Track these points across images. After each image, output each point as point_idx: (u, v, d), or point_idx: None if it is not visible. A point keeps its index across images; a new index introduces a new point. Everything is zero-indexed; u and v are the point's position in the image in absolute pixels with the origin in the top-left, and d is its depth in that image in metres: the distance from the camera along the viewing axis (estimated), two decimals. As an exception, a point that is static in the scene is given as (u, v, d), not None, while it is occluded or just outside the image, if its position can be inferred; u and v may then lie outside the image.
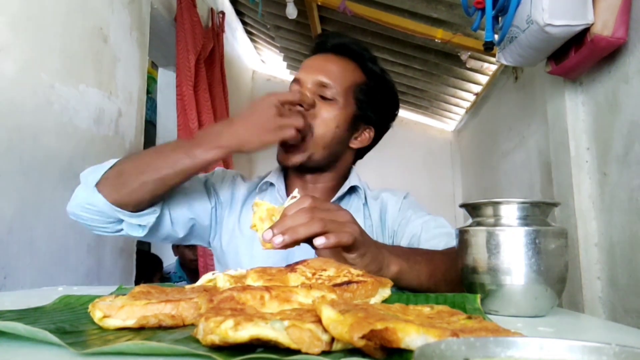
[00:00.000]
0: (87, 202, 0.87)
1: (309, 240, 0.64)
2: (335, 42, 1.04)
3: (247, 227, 0.93)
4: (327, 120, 0.97)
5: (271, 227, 0.64)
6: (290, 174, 1.06)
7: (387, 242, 1.01)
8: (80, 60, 1.64)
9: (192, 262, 2.79)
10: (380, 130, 1.10)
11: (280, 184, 1.05)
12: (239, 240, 1.01)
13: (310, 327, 0.34)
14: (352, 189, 1.05)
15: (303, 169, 1.01)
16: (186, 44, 2.54)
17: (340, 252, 0.68)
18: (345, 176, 1.08)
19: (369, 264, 0.67)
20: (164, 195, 0.90)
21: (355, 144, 1.05)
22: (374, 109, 1.05)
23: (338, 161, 1.04)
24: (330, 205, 0.70)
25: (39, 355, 0.35)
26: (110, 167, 0.88)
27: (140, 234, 0.92)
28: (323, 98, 0.98)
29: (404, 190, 1.11)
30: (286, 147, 0.96)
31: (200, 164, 0.84)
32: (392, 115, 1.12)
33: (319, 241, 0.63)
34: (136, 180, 0.85)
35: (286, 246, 0.64)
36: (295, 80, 1.01)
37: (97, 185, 0.86)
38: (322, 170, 1.03)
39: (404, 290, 0.74)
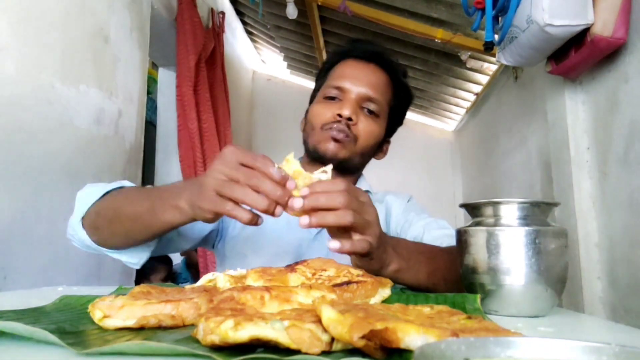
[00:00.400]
0: (77, 235, 0.83)
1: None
2: (374, 51, 1.04)
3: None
4: (369, 134, 1.00)
5: (303, 196, 0.60)
6: (317, 162, 1.03)
7: None
8: (80, 61, 1.64)
9: (198, 264, 2.77)
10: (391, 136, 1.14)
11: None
12: (247, 242, 1.00)
13: (310, 327, 0.34)
14: None
15: (336, 167, 1.01)
16: (186, 44, 2.54)
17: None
18: (357, 179, 1.11)
19: (371, 263, 0.67)
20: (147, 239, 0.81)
21: (379, 156, 1.10)
22: (398, 120, 1.10)
23: (360, 169, 1.08)
24: (362, 195, 0.66)
25: (39, 355, 0.35)
26: (97, 200, 0.82)
27: (135, 266, 0.87)
28: (367, 111, 1.00)
29: (407, 192, 1.13)
30: (336, 139, 0.97)
31: (160, 224, 0.73)
32: (403, 120, 1.15)
33: (333, 245, 0.61)
34: (107, 229, 0.80)
35: (309, 226, 0.60)
36: (338, 88, 1.00)
37: (82, 219, 0.82)
38: (347, 174, 1.04)
39: (403, 289, 0.74)
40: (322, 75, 1.10)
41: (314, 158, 1.03)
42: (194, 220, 0.71)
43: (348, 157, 0.99)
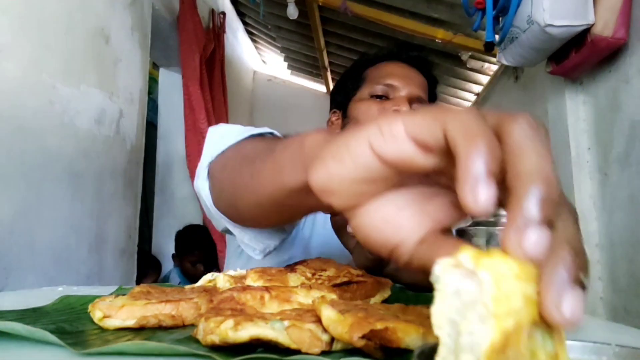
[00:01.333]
0: (201, 190, 0.63)
1: None
2: (419, 57, 1.06)
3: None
4: None
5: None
6: None
7: None
8: (81, 61, 1.64)
9: (196, 276, 2.76)
10: None
11: None
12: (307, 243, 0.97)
13: (310, 327, 0.34)
14: None
15: None
16: (190, 44, 2.55)
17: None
18: None
19: (382, 260, 0.66)
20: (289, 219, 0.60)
21: None
22: None
23: None
24: None
25: (39, 355, 0.35)
26: (230, 147, 0.60)
27: (257, 255, 0.69)
28: None
29: None
30: None
31: (286, 190, 0.43)
32: None
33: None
34: (231, 197, 0.57)
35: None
36: (389, 86, 0.99)
37: (209, 168, 0.62)
38: None
39: (401, 287, 0.74)
40: (356, 74, 1.07)
41: None
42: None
43: None
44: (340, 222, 0.66)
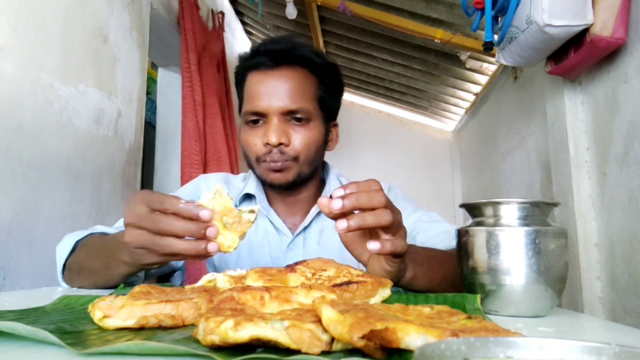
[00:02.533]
0: (65, 287, 0.85)
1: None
2: (277, 54, 0.94)
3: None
4: (307, 144, 0.93)
5: (341, 197, 0.58)
6: (275, 188, 1.01)
7: None
8: (80, 60, 1.64)
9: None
10: (336, 117, 1.06)
11: (261, 195, 1.03)
12: (229, 256, 1.00)
13: (310, 327, 0.34)
14: None
15: (290, 186, 0.98)
16: (189, 45, 2.54)
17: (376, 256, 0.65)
18: (319, 174, 1.07)
19: (400, 269, 0.66)
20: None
21: (330, 146, 1.04)
22: (334, 102, 1.02)
23: (318, 167, 1.03)
24: (399, 213, 0.64)
25: (39, 355, 0.35)
26: (69, 254, 0.84)
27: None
28: (296, 119, 0.93)
29: (384, 181, 1.08)
30: (276, 169, 0.93)
31: (117, 277, 0.72)
32: (342, 96, 1.07)
33: (373, 246, 0.59)
34: (77, 281, 0.80)
35: (348, 229, 0.58)
36: (257, 114, 0.92)
37: (62, 273, 0.84)
38: (306, 182, 1.01)
39: (411, 292, 0.74)
40: (238, 82, 1.01)
41: (264, 184, 1.01)
42: (143, 269, 0.72)
43: (296, 176, 0.94)
44: (350, 237, 0.67)
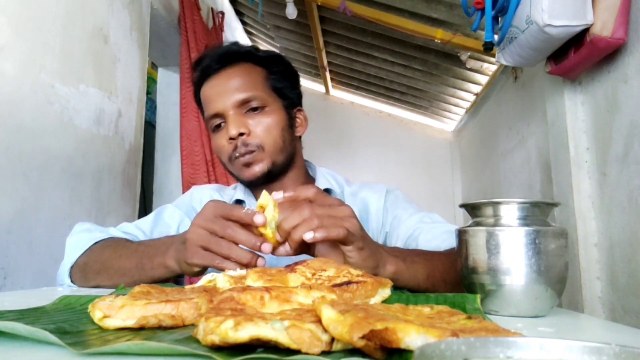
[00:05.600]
0: (65, 284, 0.87)
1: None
2: (216, 57, 0.99)
3: None
4: (269, 130, 0.95)
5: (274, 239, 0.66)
6: (256, 186, 1.03)
7: None
8: (80, 61, 1.64)
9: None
10: (301, 104, 1.09)
11: (250, 199, 1.05)
12: None
13: (310, 327, 0.34)
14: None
15: (269, 178, 0.99)
16: (189, 44, 2.54)
17: (338, 247, 0.68)
18: (306, 175, 1.07)
19: (366, 258, 0.67)
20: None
21: (299, 131, 1.05)
22: (290, 89, 1.04)
23: (295, 156, 1.03)
24: (330, 199, 0.69)
25: (39, 355, 0.35)
26: (86, 251, 0.86)
27: None
28: (252, 109, 0.95)
29: (383, 183, 1.08)
30: (246, 164, 0.94)
31: (148, 279, 0.76)
32: (298, 82, 1.10)
33: (307, 235, 0.63)
34: (94, 280, 0.83)
35: (295, 251, 0.65)
36: (215, 116, 0.96)
37: (70, 270, 0.86)
38: (286, 172, 1.01)
39: (402, 290, 0.74)
40: (197, 100, 1.05)
41: (245, 185, 1.04)
42: (183, 275, 0.76)
43: (271, 165, 0.96)
44: (322, 251, 0.71)
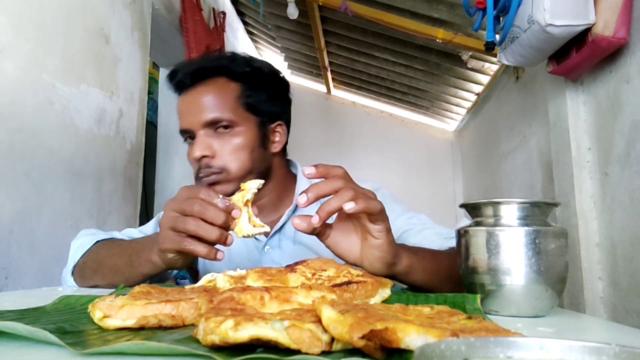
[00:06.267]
0: (67, 284, 0.89)
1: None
2: (189, 72, 0.96)
3: None
4: (237, 151, 0.92)
5: (305, 192, 0.62)
6: None
7: None
8: (81, 60, 1.64)
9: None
10: (287, 117, 1.04)
11: None
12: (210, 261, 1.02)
13: (310, 327, 0.34)
14: None
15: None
16: (191, 44, 2.54)
17: (353, 233, 0.67)
18: (287, 179, 1.04)
19: (392, 242, 0.66)
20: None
21: (276, 147, 1.00)
22: (270, 103, 0.99)
23: (271, 172, 1.00)
24: (355, 182, 0.68)
25: (39, 355, 0.35)
26: (86, 251, 0.88)
27: None
28: (224, 129, 0.93)
29: (373, 181, 1.04)
30: (211, 184, 0.92)
31: (138, 276, 0.78)
32: (287, 94, 1.05)
33: (348, 205, 0.60)
34: (91, 279, 0.85)
35: (320, 222, 0.62)
36: (184, 132, 0.96)
37: (72, 271, 0.88)
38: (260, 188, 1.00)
39: (410, 286, 0.74)
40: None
41: None
42: (169, 269, 0.77)
43: (236, 188, 0.90)
44: (332, 240, 0.69)
